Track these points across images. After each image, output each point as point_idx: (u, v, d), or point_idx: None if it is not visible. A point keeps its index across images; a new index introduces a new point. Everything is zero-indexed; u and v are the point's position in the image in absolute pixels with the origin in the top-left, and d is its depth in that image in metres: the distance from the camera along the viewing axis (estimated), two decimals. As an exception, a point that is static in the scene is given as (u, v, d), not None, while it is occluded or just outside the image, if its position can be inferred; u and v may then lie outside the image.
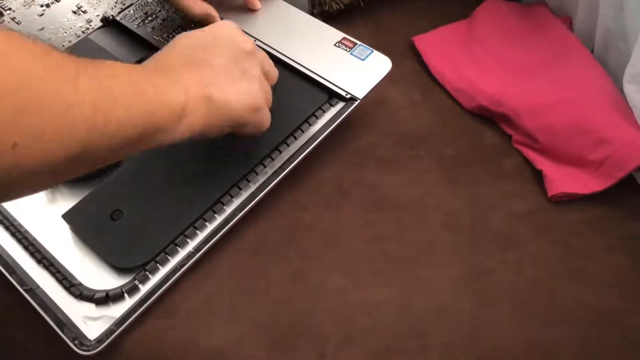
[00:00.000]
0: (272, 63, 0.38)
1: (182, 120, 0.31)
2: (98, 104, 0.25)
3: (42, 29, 0.47)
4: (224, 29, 0.36)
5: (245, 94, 0.34)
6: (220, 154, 0.40)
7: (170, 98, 0.30)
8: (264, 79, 0.36)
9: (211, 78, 0.33)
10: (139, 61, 0.44)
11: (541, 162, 0.42)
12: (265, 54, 0.38)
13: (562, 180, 0.40)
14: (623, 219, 0.40)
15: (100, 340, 0.33)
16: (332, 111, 0.42)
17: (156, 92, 0.29)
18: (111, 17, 0.47)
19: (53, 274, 0.36)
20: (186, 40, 0.34)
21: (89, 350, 0.33)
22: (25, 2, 0.49)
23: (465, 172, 0.43)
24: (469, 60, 0.48)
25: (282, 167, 0.40)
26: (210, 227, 0.37)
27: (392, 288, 0.37)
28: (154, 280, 0.36)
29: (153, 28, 0.47)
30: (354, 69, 0.43)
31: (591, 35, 0.46)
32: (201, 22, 0.44)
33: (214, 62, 0.33)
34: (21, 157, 0.23)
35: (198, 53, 0.33)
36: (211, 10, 0.43)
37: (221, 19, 0.45)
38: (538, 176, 0.42)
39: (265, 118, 0.36)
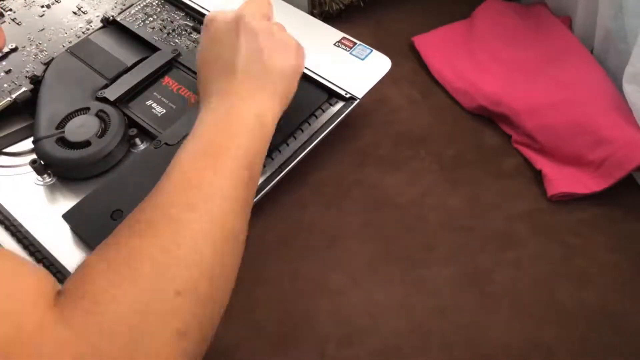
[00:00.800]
0: (262, 6, 0.36)
1: (267, 125, 0.32)
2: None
3: (43, 29, 0.47)
4: (214, 23, 0.35)
5: (281, 57, 0.34)
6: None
7: (246, 122, 0.31)
8: (272, 26, 0.35)
9: (250, 83, 0.32)
10: (139, 61, 0.44)
11: (541, 162, 0.42)
12: (253, 6, 0.36)
13: (562, 180, 0.40)
14: (623, 219, 0.40)
15: (100, 340, 0.33)
16: (332, 110, 0.42)
17: (239, 139, 0.30)
18: (111, 17, 0.47)
19: (54, 274, 0.36)
20: (203, 64, 0.34)
21: (88, 350, 0.33)
22: (25, 2, 0.49)
23: (465, 172, 0.43)
24: (469, 60, 0.48)
25: (281, 167, 0.40)
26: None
27: (392, 288, 0.37)
28: (153, 280, 0.35)
29: (153, 28, 0.47)
30: (354, 69, 0.43)
31: (591, 35, 0.46)
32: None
33: (237, 64, 0.33)
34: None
35: (218, 67, 0.33)
36: None
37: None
38: (538, 176, 0.42)
39: (301, 54, 0.36)
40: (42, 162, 0.39)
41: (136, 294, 0.23)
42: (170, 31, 0.47)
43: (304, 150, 0.40)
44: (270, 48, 0.33)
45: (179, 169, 0.29)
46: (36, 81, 0.43)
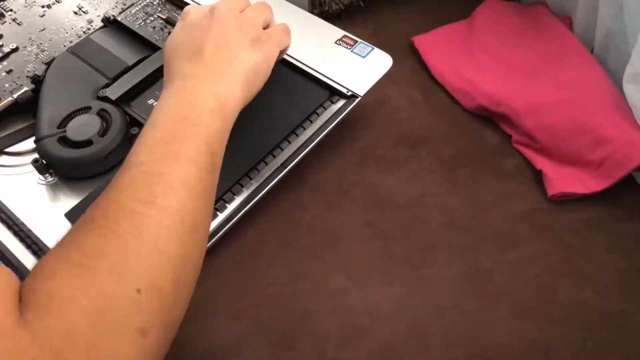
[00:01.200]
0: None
1: (227, 112, 0.32)
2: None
3: (44, 29, 0.47)
4: (190, 13, 0.36)
5: (250, 51, 0.34)
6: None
7: (206, 109, 0.30)
8: (248, 20, 0.35)
9: (217, 74, 0.32)
10: (141, 60, 0.44)
11: (541, 162, 0.42)
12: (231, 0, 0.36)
13: (562, 180, 0.40)
14: (623, 219, 0.40)
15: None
16: (334, 108, 0.42)
17: (198, 121, 0.29)
18: (112, 17, 0.47)
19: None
20: (171, 48, 0.34)
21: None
22: (26, 3, 0.49)
23: (465, 172, 0.43)
24: (469, 60, 0.48)
25: (284, 165, 0.40)
26: (213, 225, 0.37)
27: (392, 288, 0.37)
28: (154, 279, 0.36)
29: (154, 28, 0.47)
30: (355, 67, 0.43)
31: (591, 35, 0.46)
32: None
33: (204, 50, 0.33)
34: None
35: (186, 52, 0.33)
36: None
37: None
38: (538, 176, 0.42)
39: (276, 41, 0.36)
40: (44, 162, 0.39)
41: (95, 294, 0.22)
42: (171, 30, 0.47)
43: (306, 148, 0.40)
44: (240, 40, 0.34)
45: (137, 160, 0.27)
46: (37, 81, 0.43)
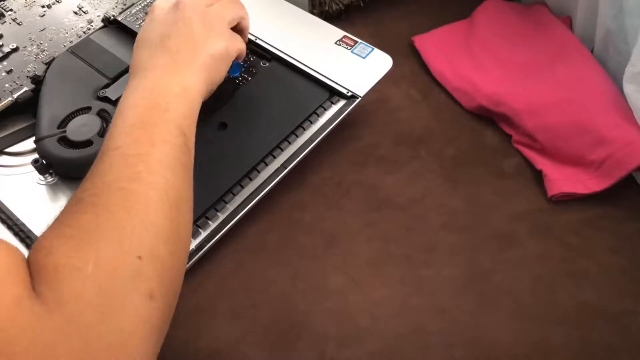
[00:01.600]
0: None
1: (192, 97, 0.33)
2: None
3: (44, 29, 0.47)
4: (158, 7, 0.37)
5: (212, 43, 0.35)
6: (223, 152, 0.40)
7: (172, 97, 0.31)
8: (211, 13, 0.36)
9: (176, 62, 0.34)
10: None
11: (541, 162, 0.42)
12: None
13: (562, 180, 0.40)
14: (623, 219, 0.40)
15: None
16: (334, 109, 0.42)
17: (165, 113, 0.30)
18: (112, 17, 0.47)
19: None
20: (139, 42, 0.35)
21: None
22: (26, 2, 0.49)
23: (465, 172, 0.43)
24: (469, 60, 0.48)
25: (283, 165, 0.40)
26: (212, 225, 0.37)
27: (392, 288, 0.37)
28: (154, 279, 0.36)
29: (154, 28, 0.47)
30: (355, 67, 0.43)
31: (591, 35, 0.46)
32: None
33: (169, 43, 0.34)
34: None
35: (152, 45, 0.34)
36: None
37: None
38: (538, 176, 0.42)
39: (233, 44, 0.37)
40: (44, 162, 0.39)
41: (98, 261, 0.23)
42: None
43: (306, 149, 0.40)
44: (203, 33, 0.35)
45: (113, 145, 0.29)
46: (37, 81, 0.43)
